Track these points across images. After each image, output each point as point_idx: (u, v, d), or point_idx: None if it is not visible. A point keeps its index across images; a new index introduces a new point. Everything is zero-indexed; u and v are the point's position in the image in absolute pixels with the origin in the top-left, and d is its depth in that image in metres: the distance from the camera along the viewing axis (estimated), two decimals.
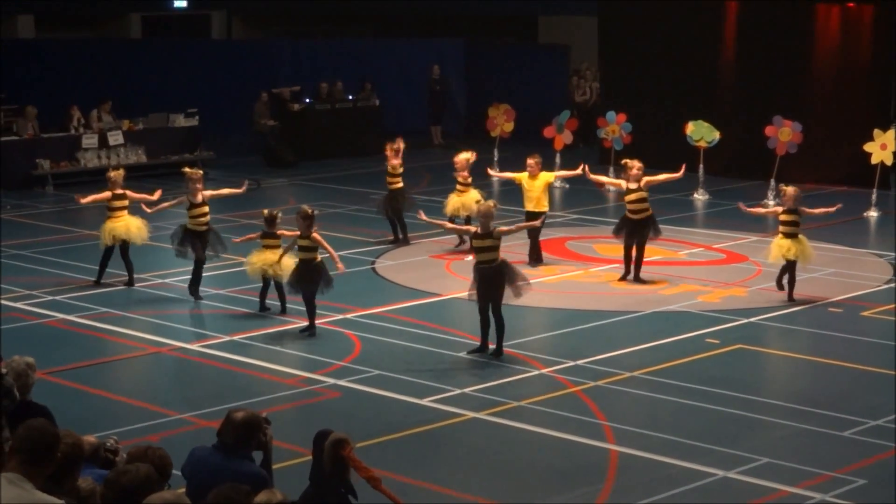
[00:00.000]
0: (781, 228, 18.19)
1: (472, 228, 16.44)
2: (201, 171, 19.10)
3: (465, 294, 16.07)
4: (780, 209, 18.42)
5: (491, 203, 15.84)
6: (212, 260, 18.56)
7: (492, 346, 15.54)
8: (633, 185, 19.05)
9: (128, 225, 18.85)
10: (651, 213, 19.18)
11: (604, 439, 12.77)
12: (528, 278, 16.02)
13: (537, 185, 19.99)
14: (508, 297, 15.56)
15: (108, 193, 18.92)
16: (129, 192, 19.03)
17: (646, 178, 19.04)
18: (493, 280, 15.34)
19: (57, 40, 37.32)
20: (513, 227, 16.21)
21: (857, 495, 11.29)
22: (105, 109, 30.16)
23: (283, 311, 17.40)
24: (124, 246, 18.91)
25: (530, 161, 20.10)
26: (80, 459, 7.01)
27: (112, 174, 19.11)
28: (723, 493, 11.44)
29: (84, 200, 19.28)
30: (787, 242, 17.98)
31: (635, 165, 19.18)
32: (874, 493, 11.37)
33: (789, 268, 18.06)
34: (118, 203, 18.91)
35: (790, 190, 18.30)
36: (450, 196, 21.56)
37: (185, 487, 7.91)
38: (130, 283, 19.00)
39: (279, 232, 17.17)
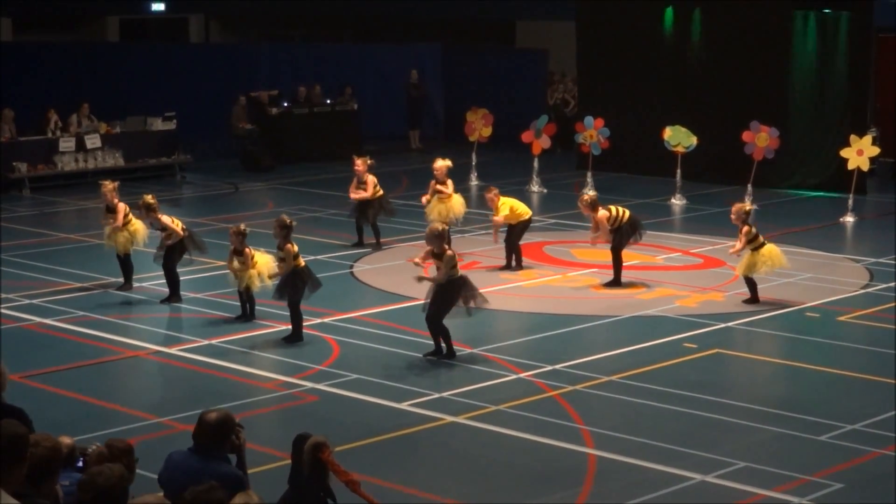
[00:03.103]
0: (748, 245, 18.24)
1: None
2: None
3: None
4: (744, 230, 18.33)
5: (438, 226, 15.87)
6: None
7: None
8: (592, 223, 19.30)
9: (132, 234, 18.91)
10: (628, 217, 19.14)
11: (582, 443, 12.78)
12: (487, 299, 15.98)
13: (501, 216, 20.08)
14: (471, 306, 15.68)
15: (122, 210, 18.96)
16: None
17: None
18: (446, 292, 15.39)
19: (34, 43, 37.23)
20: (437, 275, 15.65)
21: (834, 499, 11.32)
22: (83, 113, 30.11)
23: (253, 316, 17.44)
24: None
25: (488, 196, 20.16)
26: (59, 462, 6.98)
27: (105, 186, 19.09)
28: (700, 496, 11.46)
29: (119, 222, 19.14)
30: (753, 255, 18.00)
31: (583, 199, 19.37)
32: (851, 496, 11.40)
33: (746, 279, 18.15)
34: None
35: (734, 207, 18.44)
36: (433, 202, 21.51)
37: (163, 490, 7.91)
38: (129, 284, 19.06)
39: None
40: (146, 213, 18.37)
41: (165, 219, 18.23)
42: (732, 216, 18.31)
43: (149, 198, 18.55)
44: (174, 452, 8.17)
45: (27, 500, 6.50)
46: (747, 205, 18.64)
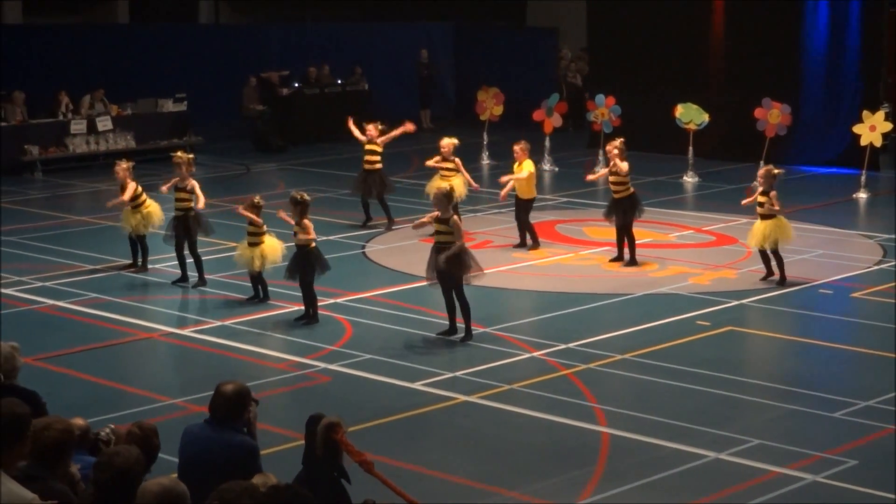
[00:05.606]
0: (758, 210, 18.06)
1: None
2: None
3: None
4: (759, 190, 18.17)
5: (446, 186, 15.83)
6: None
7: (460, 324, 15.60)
8: (613, 167, 19.04)
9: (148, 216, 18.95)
10: (631, 193, 19.08)
11: (595, 422, 12.78)
12: (482, 267, 15.86)
13: (518, 175, 19.98)
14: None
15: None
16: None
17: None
18: (454, 260, 15.31)
19: (44, 26, 37.14)
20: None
21: (848, 476, 11.30)
22: (98, 97, 30.13)
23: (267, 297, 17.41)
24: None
25: (516, 147, 20.06)
26: (72, 445, 7.00)
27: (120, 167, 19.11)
28: (714, 474, 11.45)
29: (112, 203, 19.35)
30: (762, 225, 17.81)
31: (613, 145, 19.12)
32: (866, 473, 11.38)
33: (773, 253, 17.94)
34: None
35: (761, 171, 18.24)
36: (434, 179, 21.35)
37: (179, 461, 7.97)
38: (144, 266, 19.05)
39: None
40: (186, 167, 18.28)
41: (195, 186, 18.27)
42: (760, 179, 18.00)
43: (181, 153, 18.64)
44: (190, 425, 8.24)
45: (41, 483, 6.52)
46: (774, 168, 18.28)
